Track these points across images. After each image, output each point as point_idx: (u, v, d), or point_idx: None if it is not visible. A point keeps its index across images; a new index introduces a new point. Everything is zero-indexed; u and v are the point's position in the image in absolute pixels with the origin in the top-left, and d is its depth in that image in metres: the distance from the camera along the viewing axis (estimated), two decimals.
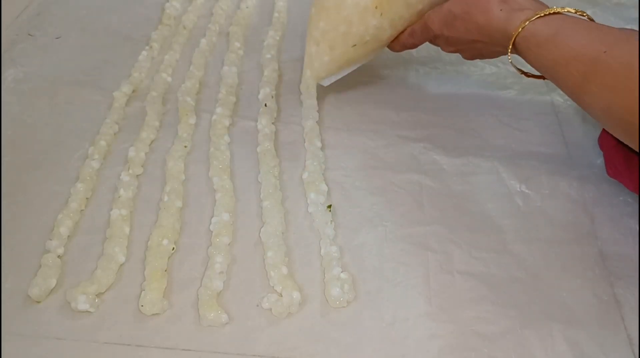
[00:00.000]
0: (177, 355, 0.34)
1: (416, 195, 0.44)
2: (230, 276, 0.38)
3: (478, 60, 0.57)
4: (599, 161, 0.47)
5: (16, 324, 0.35)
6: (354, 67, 0.52)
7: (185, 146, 0.47)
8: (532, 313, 0.36)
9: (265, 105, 0.51)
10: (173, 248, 0.39)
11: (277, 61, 0.57)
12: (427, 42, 0.51)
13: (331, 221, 0.41)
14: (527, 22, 0.40)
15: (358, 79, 0.56)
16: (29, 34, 0.59)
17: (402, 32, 0.50)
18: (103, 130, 0.48)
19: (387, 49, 0.53)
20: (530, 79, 0.45)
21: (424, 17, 0.48)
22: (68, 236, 0.40)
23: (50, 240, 0.39)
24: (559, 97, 0.54)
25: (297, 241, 0.41)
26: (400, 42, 0.51)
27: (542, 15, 0.40)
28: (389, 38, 0.50)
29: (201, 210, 0.43)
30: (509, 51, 0.42)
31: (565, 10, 0.40)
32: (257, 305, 0.37)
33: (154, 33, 0.60)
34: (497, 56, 0.48)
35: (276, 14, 0.64)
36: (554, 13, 0.40)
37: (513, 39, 0.41)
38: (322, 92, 0.54)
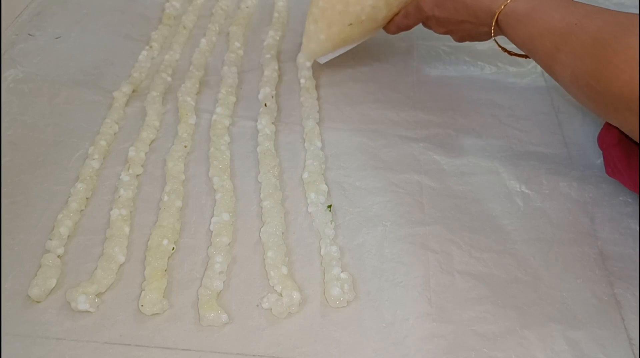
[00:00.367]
0: (177, 355, 0.34)
1: (416, 195, 0.44)
2: (230, 276, 0.38)
3: (478, 60, 0.57)
4: (599, 161, 0.47)
5: (16, 324, 0.35)
6: (350, 47, 0.55)
7: (185, 146, 0.47)
8: (532, 313, 0.37)
9: (265, 105, 0.51)
10: (173, 248, 0.39)
11: (277, 61, 0.57)
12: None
13: (331, 221, 0.41)
14: (509, 0, 0.42)
15: (358, 78, 0.56)
16: (29, 34, 0.59)
17: (397, 13, 0.52)
18: (103, 130, 0.48)
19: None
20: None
21: None
22: (68, 236, 0.40)
23: (50, 240, 0.39)
24: (559, 97, 0.54)
25: (297, 241, 0.41)
26: (394, 23, 0.53)
27: None
28: (384, 18, 0.53)
29: (201, 210, 0.43)
30: (492, 28, 0.44)
31: None
32: (257, 305, 0.37)
33: (154, 33, 0.60)
34: (484, 38, 0.49)
35: (276, 14, 0.64)
36: None
37: (496, 17, 0.43)
38: (322, 92, 0.54)
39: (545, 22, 0.39)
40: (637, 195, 0.43)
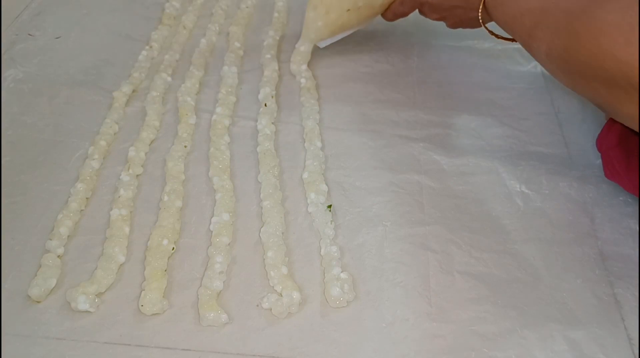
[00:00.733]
0: (177, 355, 0.34)
1: (416, 195, 0.44)
2: (230, 276, 0.38)
3: (478, 61, 0.57)
4: (599, 161, 0.46)
5: (16, 324, 0.35)
6: (348, 33, 0.57)
7: (185, 146, 0.47)
8: (532, 313, 0.36)
9: (265, 105, 0.51)
10: (173, 248, 0.39)
11: (277, 61, 0.57)
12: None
13: (331, 221, 0.41)
14: None
15: (358, 78, 0.56)
16: (29, 34, 0.59)
17: (394, 1, 0.55)
18: (103, 130, 0.48)
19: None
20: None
21: None
22: (68, 236, 0.40)
23: (50, 240, 0.39)
24: (559, 97, 0.54)
25: (297, 241, 0.41)
26: (391, 10, 0.55)
27: None
28: (382, 5, 0.55)
29: (201, 210, 0.43)
30: (480, 12, 0.46)
31: None
32: (257, 305, 0.37)
33: (154, 33, 0.60)
34: (475, 23, 0.50)
35: (276, 14, 0.64)
36: None
37: (483, 1, 0.46)
38: (322, 92, 0.54)
39: (526, 2, 0.41)
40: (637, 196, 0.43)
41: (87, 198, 0.43)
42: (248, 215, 0.42)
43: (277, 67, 0.56)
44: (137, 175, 0.45)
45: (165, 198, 0.42)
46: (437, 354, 0.34)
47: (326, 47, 0.58)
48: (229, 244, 0.40)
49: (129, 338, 0.35)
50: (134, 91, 0.53)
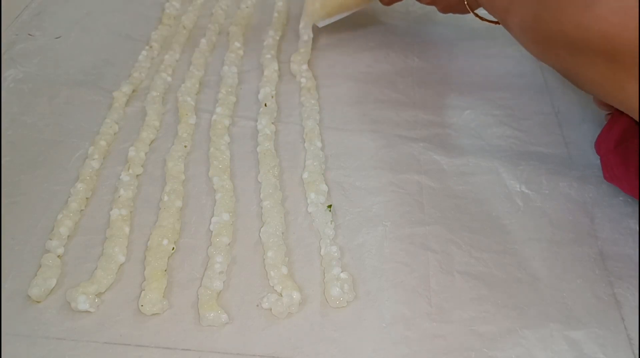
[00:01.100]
0: (177, 355, 0.34)
1: (416, 195, 0.44)
2: (230, 276, 0.38)
3: (478, 60, 0.57)
4: (599, 161, 0.46)
5: (16, 324, 0.35)
6: (346, 14, 0.58)
7: (185, 146, 0.47)
8: (532, 313, 0.37)
9: (265, 105, 0.51)
10: (173, 248, 0.39)
11: (277, 61, 0.57)
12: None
13: (331, 221, 0.41)
14: None
15: (358, 78, 0.56)
16: (29, 34, 0.59)
17: None
18: (103, 130, 0.48)
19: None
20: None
21: None
22: (68, 236, 0.40)
23: (50, 240, 0.39)
24: (559, 97, 0.54)
25: (297, 241, 0.41)
26: None
27: None
28: None
29: (201, 210, 0.43)
30: None
31: None
32: (257, 305, 0.37)
33: (154, 33, 0.60)
34: (464, 8, 0.51)
35: (276, 14, 0.64)
36: None
37: None
38: (322, 92, 0.54)
39: None
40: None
41: (87, 198, 0.43)
42: (248, 215, 0.42)
43: (277, 67, 0.56)
44: (137, 175, 0.45)
45: (165, 198, 0.42)
46: (437, 354, 0.34)
47: (326, 48, 0.58)
48: (229, 244, 0.40)
49: (129, 338, 0.35)
50: (134, 91, 0.53)
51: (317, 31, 0.62)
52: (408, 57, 0.59)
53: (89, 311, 0.36)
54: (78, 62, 0.56)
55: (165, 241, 0.39)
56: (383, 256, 0.40)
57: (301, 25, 0.58)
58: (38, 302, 0.36)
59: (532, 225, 0.42)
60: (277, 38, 0.60)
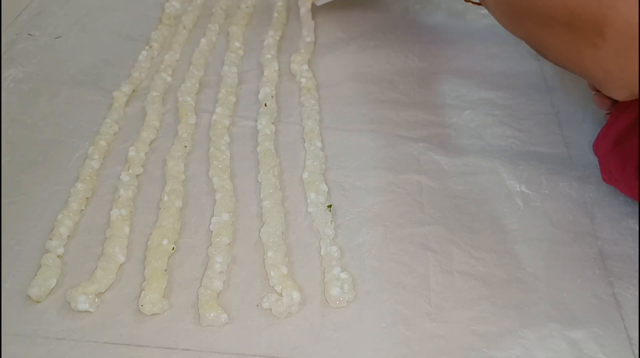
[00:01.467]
0: (177, 355, 0.34)
1: (416, 195, 0.44)
2: (230, 276, 0.38)
3: (478, 60, 0.57)
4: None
5: (16, 324, 0.35)
6: None
7: (185, 146, 0.47)
8: (532, 313, 0.37)
9: (265, 105, 0.51)
10: (173, 248, 0.39)
11: (277, 61, 0.57)
12: None
13: (331, 221, 0.41)
14: None
15: (358, 78, 0.56)
16: (29, 34, 0.59)
17: None
18: (103, 130, 0.48)
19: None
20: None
21: None
22: (68, 236, 0.40)
23: (50, 239, 0.39)
24: (559, 97, 0.54)
25: (297, 241, 0.41)
26: None
27: None
28: None
29: (201, 210, 0.43)
30: None
31: None
32: (257, 305, 0.37)
33: (154, 33, 0.60)
34: None
35: (276, 14, 0.64)
36: None
37: None
38: (322, 92, 0.54)
39: None
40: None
41: (87, 198, 0.43)
42: (248, 215, 0.42)
43: (277, 67, 0.56)
44: (137, 175, 0.45)
45: (165, 198, 0.42)
46: (437, 354, 0.34)
47: (326, 48, 0.58)
48: (229, 244, 0.40)
49: (129, 338, 0.35)
50: (134, 91, 0.53)
51: (317, 31, 0.62)
52: (408, 57, 0.59)
53: (89, 311, 0.36)
54: (78, 62, 0.56)
55: (165, 241, 0.39)
56: (383, 256, 0.40)
57: (300, 2, 0.59)
58: (38, 302, 0.36)
59: (532, 225, 0.42)
60: (277, 38, 0.60)
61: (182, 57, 0.58)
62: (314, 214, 0.42)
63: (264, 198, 0.43)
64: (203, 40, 0.59)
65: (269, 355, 0.34)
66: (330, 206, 0.43)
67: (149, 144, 0.48)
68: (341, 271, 0.38)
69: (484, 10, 0.47)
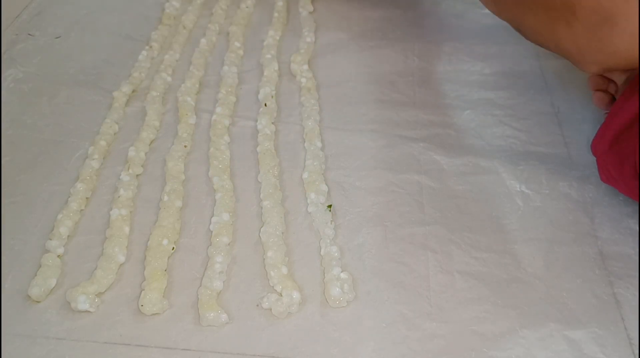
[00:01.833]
0: (177, 355, 0.34)
1: (416, 195, 0.44)
2: (230, 276, 0.38)
3: (478, 61, 0.57)
4: None
5: (16, 324, 0.35)
6: None
7: (185, 146, 0.47)
8: (532, 313, 0.37)
9: (265, 105, 0.51)
10: (173, 248, 0.39)
11: (277, 61, 0.57)
12: None
13: (331, 221, 0.41)
14: None
15: (358, 78, 0.56)
16: (29, 34, 0.59)
17: None
18: (103, 130, 0.48)
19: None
20: None
21: None
22: (68, 236, 0.40)
23: (50, 239, 0.39)
24: (559, 97, 0.54)
25: (297, 241, 0.41)
26: None
27: None
28: None
29: (201, 210, 0.43)
30: None
31: None
32: (257, 305, 0.37)
33: (154, 33, 0.60)
34: None
35: (276, 14, 0.64)
36: None
37: None
38: (322, 92, 0.54)
39: None
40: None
41: (87, 198, 0.43)
42: (248, 215, 0.42)
43: (277, 67, 0.56)
44: (137, 175, 0.45)
45: (165, 198, 0.42)
46: (437, 354, 0.34)
47: (326, 48, 0.58)
48: (229, 244, 0.40)
49: (129, 338, 0.35)
50: (134, 91, 0.53)
51: (317, 31, 0.62)
52: (408, 57, 0.59)
53: (89, 311, 0.36)
54: (78, 62, 0.56)
55: (165, 241, 0.39)
56: (383, 256, 0.40)
57: (300, 7, 0.59)
58: (38, 302, 0.36)
59: (532, 225, 0.42)
60: (277, 38, 0.60)
61: (182, 57, 0.58)
62: (314, 214, 0.42)
63: (264, 198, 0.43)
64: (203, 40, 0.59)
65: (269, 355, 0.34)
66: (330, 206, 0.43)
67: (149, 144, 0.48)
68: (341, 271, 0.38)
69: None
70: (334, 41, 0.61)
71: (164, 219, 0.40)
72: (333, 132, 0.50)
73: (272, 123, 0.50)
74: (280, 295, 0.37)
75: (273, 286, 0.37)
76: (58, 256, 0.38)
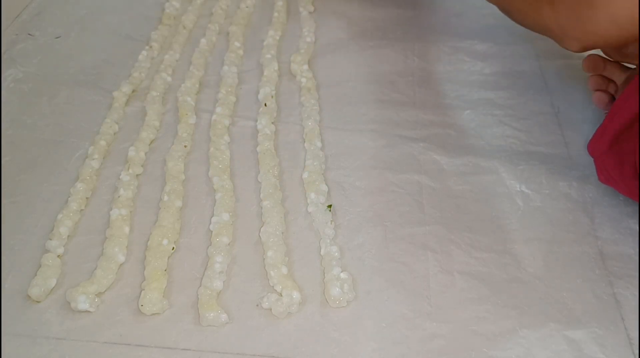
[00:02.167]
0: (177, 355, 0.34)
1: (416, 195, 0.44)
2: (230, 276, 0.38)
3: (478, 61, 0.57)
4: None
5: (16, 324, 0.35)
6: None
7: (185, 146, 0.47)
8: (532, 313, 0.37)
9: (265, 105, 0.51)
10: (173, 248, 0.39)
11: (277, 61, 0.57)
12: None
13: (331, 221, 0.41)
14: None
15: (358, 78, 0.56)
16: (29, 34, 0.59)
17: None
18: (103, 130, 0.48)
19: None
20: None
21: None
22: (68, 236, 0.40)
23: (50, 239, 0.39)
24: (559, 97, 0.54)
25: (297, 241, 0.41)
26: None
27: None
28: None
29: (201, 210, 0.43)
30: None
31: None
32: (257, 305, 0.37)
33: (154, 33, 0.60)
34: None
35: (276, 14, 0.64)
36: None
37: None
38: (322, 92, 0.54)
39: None
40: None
41: (87, 198, 0.43)
42: (248, 215, 0.42)
43: (277, 67, 0.56)
44: (137, 175, 0.45)
45: (165, 197, 0.42)
46: (437, 354, 0.34)
47: (326, 48, 0.58)
48: (229, 244, 0.40)
49: (129, 338, 0.35)
50: (134, 91, 0.53)
51: (317, 31, 0.62)
52: (408, 57, 0.59)
53: (89, 311, 0.36)
54: (78, 62, 0.56)
55: (165, 241, 0.39)
56: (383, 256, 0.40)
57: (301, 8, 0.59)
58: (38, 302, 0.36)
59: (532, 225, 0.42)
60: (277, 38, 0.60)
61: (182, 57, 0.58)
62: (314, 214, 0.42)
63: (264, 198, 0.43)
64: (203, 40, 0.59)
65: (269, 355, 0.34)
66: (330, 206, 0.43)
67: (149, 144, 0.48)
68: (341, 271, 0.38)
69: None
70: (334, 41, 0.61)
71: (164, 219, 0.40)
72: (333, 132, 0.50)
73: (272, 123, 0.50)
74: (280, 295, 0.37)
75: (273, 286, 0.37)
76: (58, 256, 0.38)
